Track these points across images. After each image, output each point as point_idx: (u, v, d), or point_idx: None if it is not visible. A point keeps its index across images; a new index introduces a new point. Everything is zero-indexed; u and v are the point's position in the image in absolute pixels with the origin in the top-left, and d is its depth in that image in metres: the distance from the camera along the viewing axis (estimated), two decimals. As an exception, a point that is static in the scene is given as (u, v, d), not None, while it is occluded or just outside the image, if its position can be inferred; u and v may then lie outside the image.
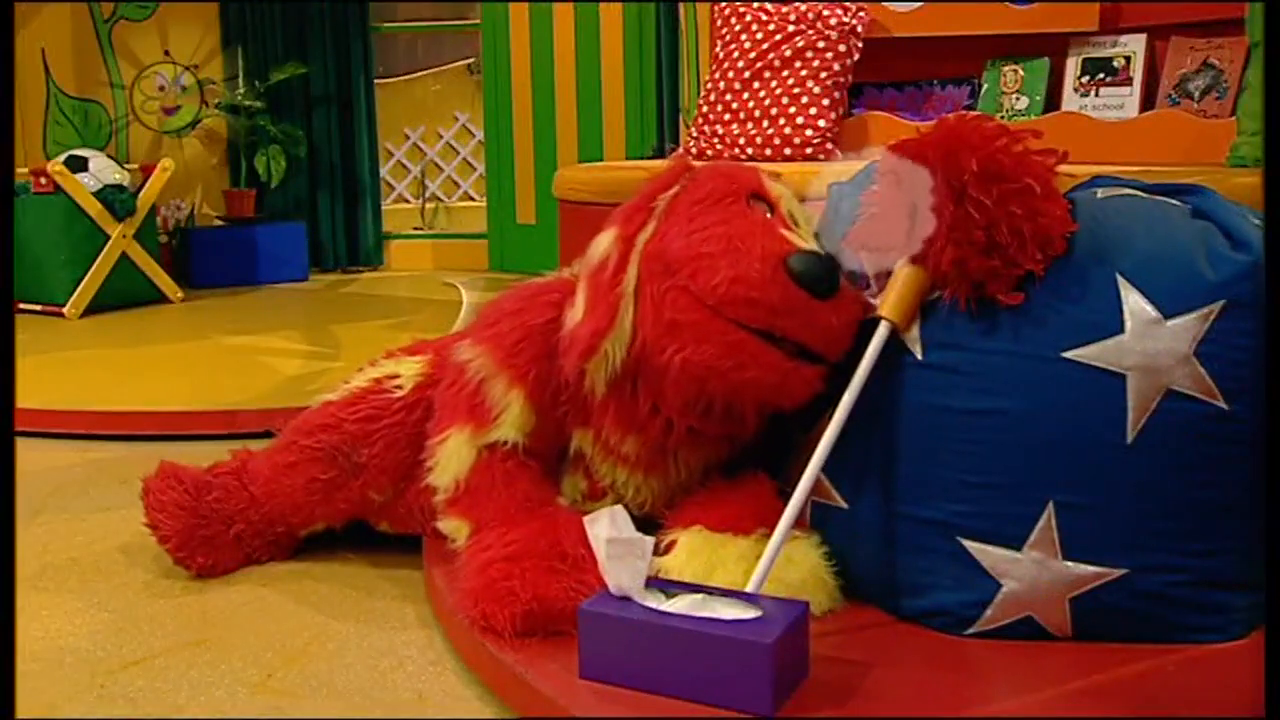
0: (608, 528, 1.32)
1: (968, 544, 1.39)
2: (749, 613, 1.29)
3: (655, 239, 1.51)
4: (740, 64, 2.87)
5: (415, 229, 6.11)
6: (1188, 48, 2.45)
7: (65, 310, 4.38)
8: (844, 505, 1.50)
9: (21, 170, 4.73)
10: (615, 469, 1.62)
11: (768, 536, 1.42)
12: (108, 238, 4.49)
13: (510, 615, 1.40)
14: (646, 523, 1.60)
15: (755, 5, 2.89)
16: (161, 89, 5.55)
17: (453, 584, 1.55)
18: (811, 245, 1.48)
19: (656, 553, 1.51)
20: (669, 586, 1.37)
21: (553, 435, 1.63)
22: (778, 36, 2.82)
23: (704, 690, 1.25)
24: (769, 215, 1.51)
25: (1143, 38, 2.52)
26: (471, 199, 6.24)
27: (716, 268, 1.43)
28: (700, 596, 1.33)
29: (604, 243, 1.55)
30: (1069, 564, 1.35)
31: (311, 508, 1.81)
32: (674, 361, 1.45)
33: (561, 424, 1.63)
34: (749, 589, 1.36)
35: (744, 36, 2.88)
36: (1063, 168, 1.41)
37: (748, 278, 1.41)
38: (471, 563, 1.50)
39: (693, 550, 1.48)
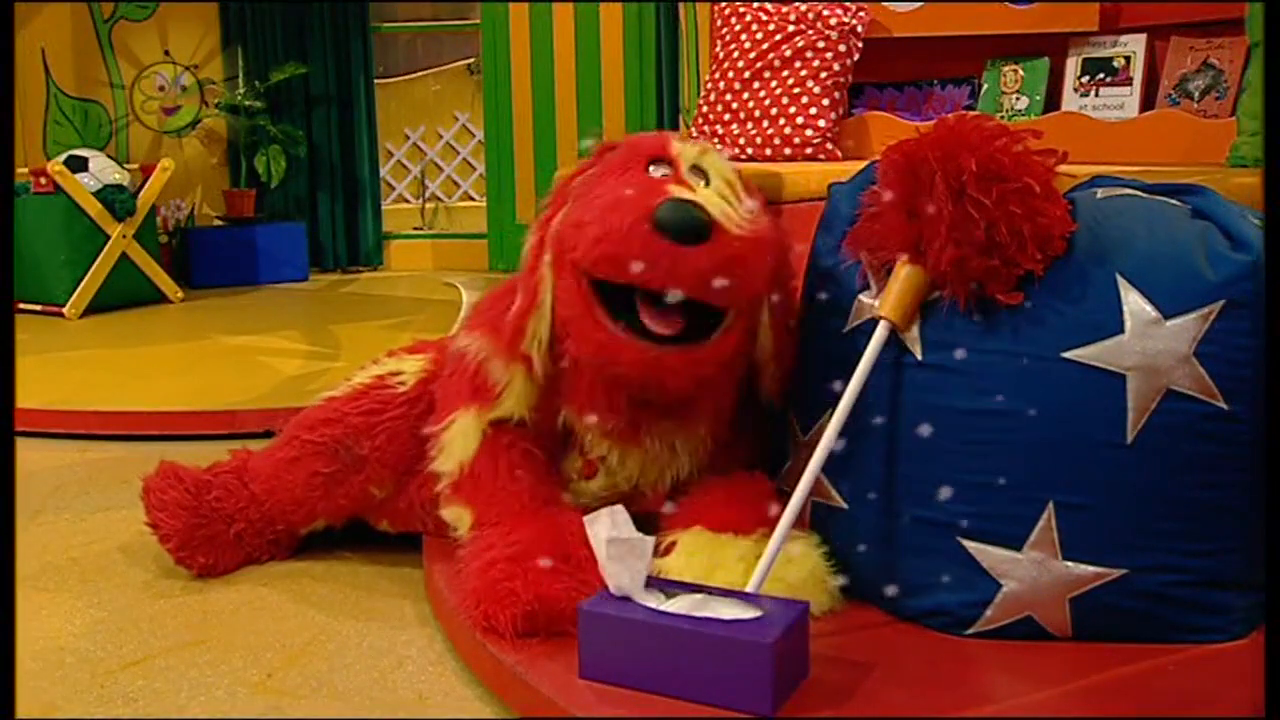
0: (608, 527, 1.32)
1: (968, 544, 1.39)
2: (749, 613, 1.29)
3: (564, 218, 1.54)
4: (740, 64, 2.87)
5: (415, 229, 6.11)
6: (1188, 48, 2.45)
7: (65, 310, 4.38)
8: (844, 505, 1.50)
9: (21, 170, 4.73)
10: (596, 443, 1.63)
11: (768, 537, 1.42)
12: (108, 238, 4.49)
13: (511, 616, 1.40)
14: (647, 522, 1.60)
15: (755, 5, 2.88)
16: (161, 89, 5.55)
17: (455, 584, 1.55)
18: (701, 196, 1.46)
19: (656, 554, 1.51)
20: (669, 586, 1.37)
21: (553, 411, 1.63)
22: (778, 36, 2.81)
23: (704, 690, 1.25)
24: (665, 173, 1.52)
25: (1143, 38, 2.52)
26: (471, 199, 6.24)
27: (588, 232, 1.45)
28: (700, 596, 1.33)
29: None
30: (1069, 564, 1.35)
31: (313, 503, 1.81)
32: (569, 350, 1.53)
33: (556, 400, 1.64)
34: (749, 589, 1.36)
35: (744, 36, 2.88)
36: (1063, 168, 1.41)
37: (610, 234, 1.42)
38: (474, 563, 1.50)
39: (693, 551, 1.48)
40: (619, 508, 1.34)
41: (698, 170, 1.54)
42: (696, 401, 1.56)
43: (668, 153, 1.55)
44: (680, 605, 1.31)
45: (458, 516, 1.62)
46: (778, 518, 1.41)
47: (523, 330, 1.56)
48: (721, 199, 1.48)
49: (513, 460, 1.61)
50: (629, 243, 1.40)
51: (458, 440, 1.63)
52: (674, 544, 1.51)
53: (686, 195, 1.44)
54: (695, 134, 2.96)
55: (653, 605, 1.31)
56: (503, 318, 1.61)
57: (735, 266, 1.42)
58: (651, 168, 1.54)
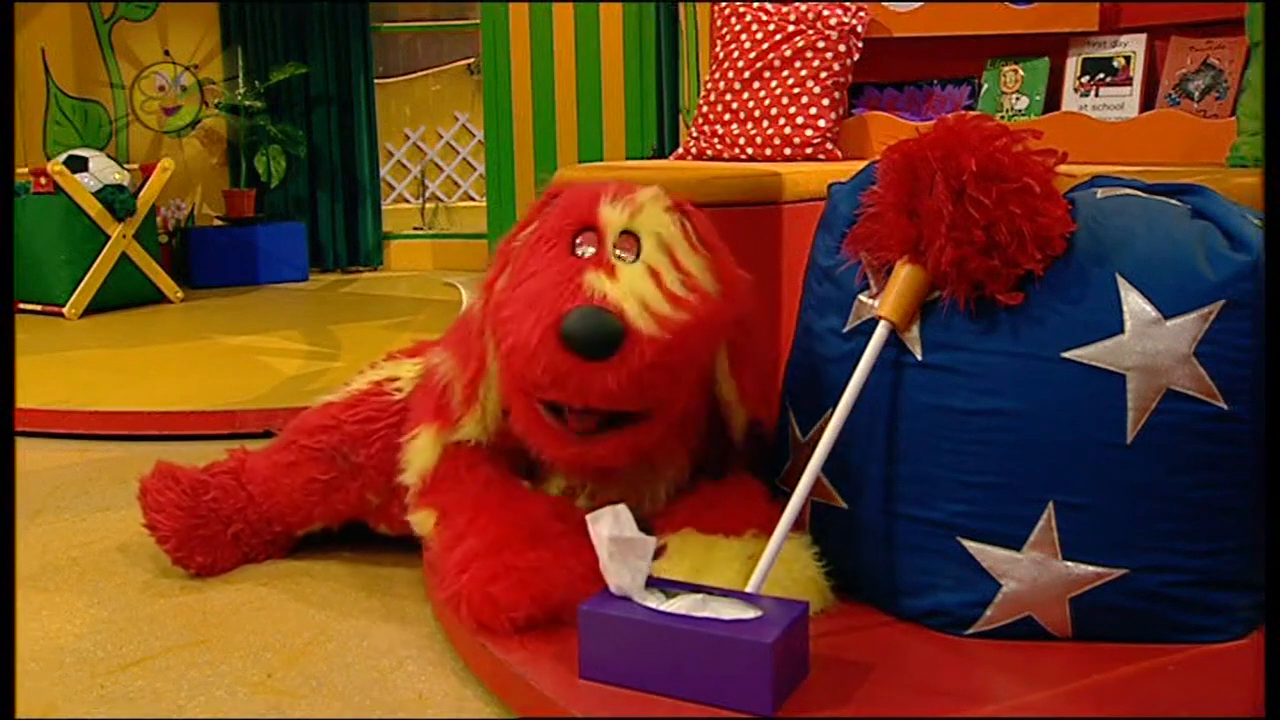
0: (610, 526, 1.32)
1: (968, 544, 1.39)
2: (749, 613, 1.29)
3: (500, 291, 1.52)
4: (740, 64, 2.87)
5: (415, 229, 6.11)
6: (1188, 48, 2.45)
7: (65, 310, 4.38)
8: (844, 505, 1.50)
9: (21, 170, 4.73)
10: (564, 475, 1.63)
11: (759, 538, 1.42)
12: (108, 238, 4.49)
13: (507, 621, 1.40)
14: (641, 524, 1.60)
15: (755, 5, 2.89)
16: (161, 89, 5.55)
17: (435, 582, 1.56)
18: (621, 283, 1.41)
19: None
20: (669, 586, 1.37)
21: (516, 437, 1.63)
22: (778, 36, 2.81)
23: (704, 690, 1.25)
24: (590, 252, 1.47)
25: (1143, 38, 2.52)
26: (471, 199, 6.24)
27: (507, 333, 1.44)
28: (699, 597, 1.33)
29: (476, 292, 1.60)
30: (1069, 564, 1.35)
31: (310, 508, 1.81)
32: (514, 425, 1.54)
33: None
34: (749, 589, 1.36)
35: (744, 36, 2.88)
36: (1063, 168, 1.41)
37: (520, 348, 1.41)
38: (448, 558, 1.49)
39: (682, 553, 1.48)
40: (622, 507, 1.34)
41: (630, 235, 1.48)
42: (660, 448, 1.56)
43: (596, 220, 1.48)
44: (680, 605, 1.31)
45: (422, 520, 1.63)
46: (769, 518, 1.41)
47: (474, 396, 1.57)
48: (650, 275, 1.43)
49: (472, 461, 1.62)
50: (534, 360, 1.39)
51: (419, 455, 1.64)
52: (664, 546, 1.51)
53: (601, 293, 1.39)
54: (695, 134, 2.96)
55: (653, 605, 1.31)
56: (464, 343, 1.62)
57: (648, 378, 1.39)
58: (578, 240, 1.48)
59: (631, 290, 1.41)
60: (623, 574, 1.32)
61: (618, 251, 1.47)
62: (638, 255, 1.47)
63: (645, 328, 1.38)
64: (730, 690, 1.23)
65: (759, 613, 1.29)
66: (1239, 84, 2.33)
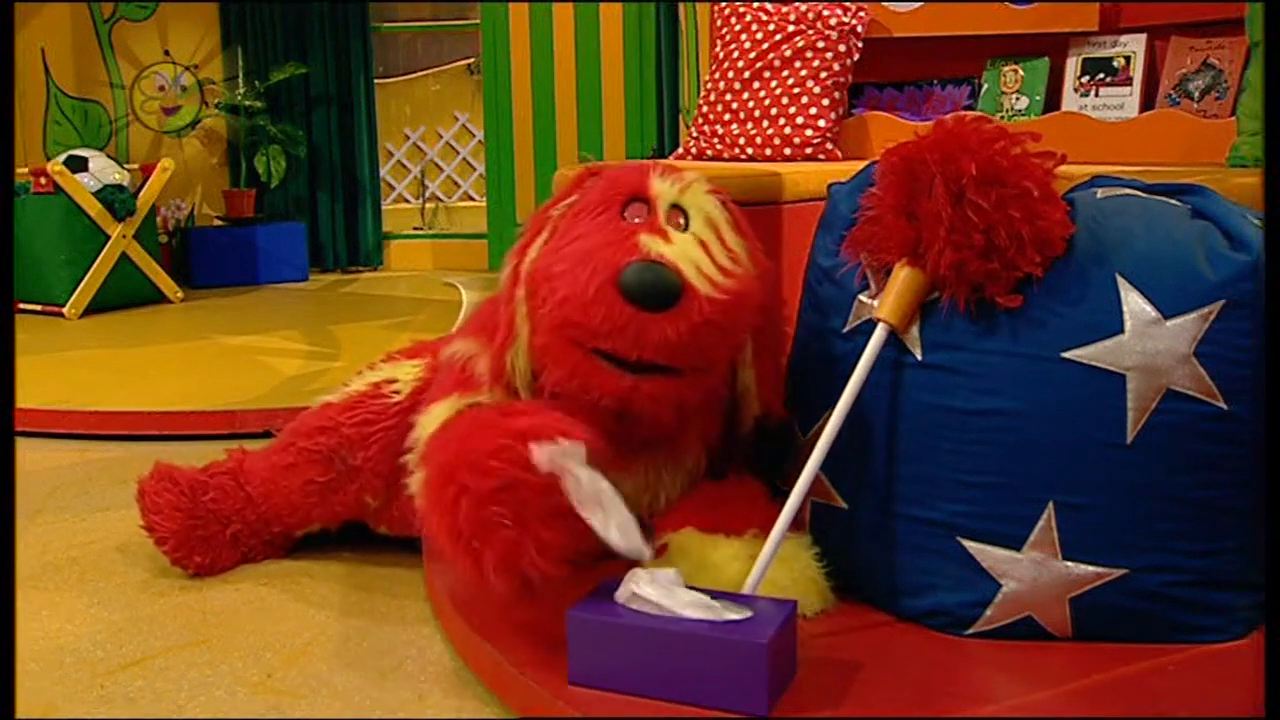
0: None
1: (968, 544, 1.39)
2: (740, 613, 1.28)
3: (540, 255, 1.51)
4: (740, 64, 2.87)
5: (415, 229, 6.11)
6: (1188, 48, 2.45)
7: (65, 310, 4.38)
8: (844, 506, 1.50)
9: (21, 170, 4.73)
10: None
11: (759, 538, 1.42)
12: (108, 238, 4.49)
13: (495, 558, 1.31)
14: (640, 526, 1.60)
15: (755, 5, 2.89)
16: (161, 89, 5.55)
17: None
18: (675, 247, 1.42)
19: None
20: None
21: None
22: (778, 36, 2.81)
23: (697, 692, 1.24)
24: (641, 219, 1.47)
25: (1143, 38, 2.52)
26: (471, 199, 6.24)
27: (556, 288, 1.43)
28: (690, 597, 1.32)
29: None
30: (1069, 564, 1.35)
31: (308, 509, 1.81)
32: (547, 381, 1.49)
33: None
34: (745, 589, 1.36)
35: (744, 36, 2.88)
36: (1062, 168, 1.41)
37: (576, 297, 1.40)
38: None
39: (683, 552, 1.48)
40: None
41: (678, 210, 1.49)
42: (682, 431, 1.55)
43: (646, 192, 1.50)
44: (670, 603, 1.30)
45: (417, 482, 1.52)
46: (770, 518, 1.41)
47: (502, 365, 1.54)
48: (699, 246, 1.45)
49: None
50: (594, 310, 1.38)
51: (432, 420, 1.58)
52: (664, 546, 1.50)
53: (658, 251, 1.40)
54: (695, 134, 2.96)
55: (649, 594, 1.30)
56: (491, 321, 1.59)
57: (704, 333, 1.39)
58: (628, 209, 1.49)
59: (685, 253, 1.42)
60: (609, 527, 1.29)
61: (668, 223, 1.48)
62: (686, 228, 1.48)
63: (701, 286, 1.40)
64: (724, 691, 1.23)
65: (750, 613, 1.28)
66: (1239, 84, 2.33)
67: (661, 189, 1.50)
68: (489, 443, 1.33)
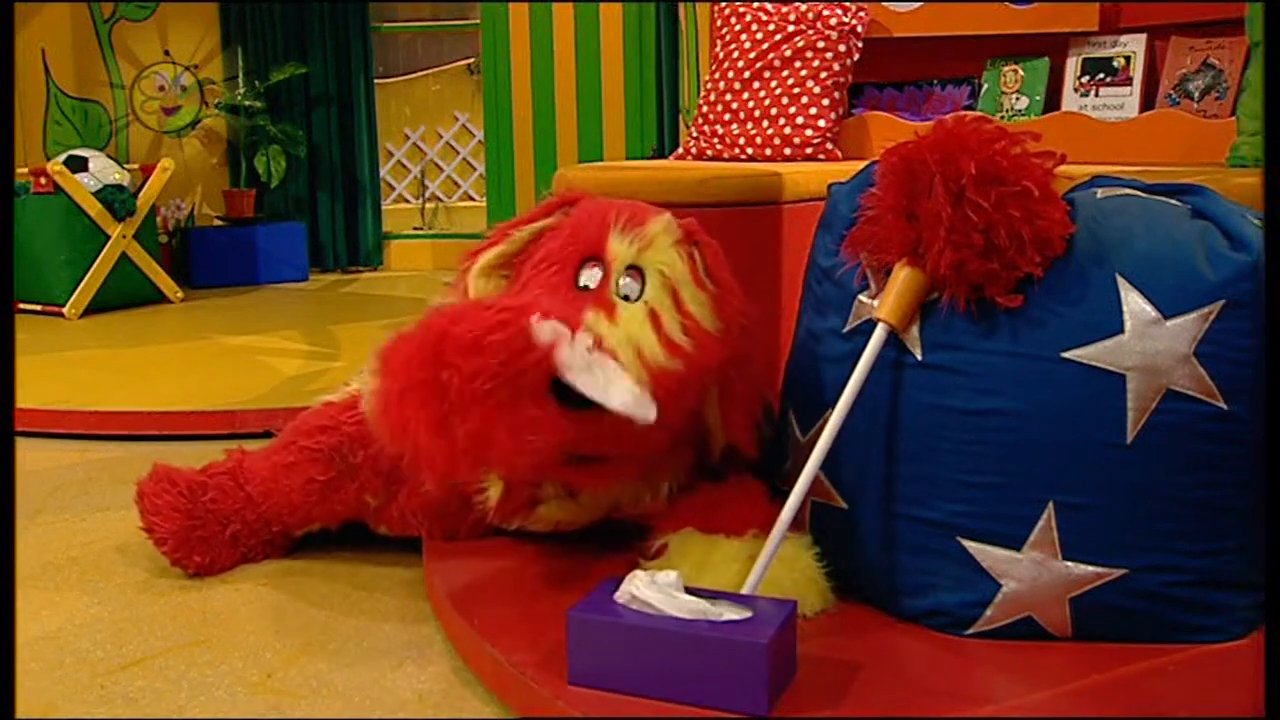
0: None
1: (968, 544, 1.39)
2: (739, 614, 1.28)
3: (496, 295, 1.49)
4: (740, 64, 2.87)
5: (415, 229, 6.11)
6: (1188, 48, 2.45)
7: (65, 310, 4.38)
8: (844, 506, 1.50)
9: (21, 170, 4.73)
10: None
11: (759, 538, 1.42)
12: (108, 238, 4.48)
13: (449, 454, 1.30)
14: (640, 526, 1.61)
15: (755, 5, 2.88)
16: (161, 89, 5.55)
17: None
18: (616, 333, 1.39)
19: (648, 556, 1.51)
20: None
21: None
22: (778, 36, 2.81)
23: (697, 692, 1.24)
24: (592, 287, 1.46)
25: (1143, 38, 2.52)
26: (471, 199, 6.24)
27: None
28: (689, 599, 1.32)
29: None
30: (1069, 564, 1.35)
31: (308, 508, 1.81)
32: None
33: None
34: (745, 590, 1.36)
35: (744, 36, 2.88)
36: (1063, 168, 1.41)
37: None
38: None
39: (683, 553, 1.48)
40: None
41: (634, 272, 1.48)
42: (652, 455, 1.55)
43: (603, 253, 1.48)
44: (670, 607, 1.30)
45: (371, 396, 1.38)
46: (770, 518, 1.41)
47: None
48: (649, 319, 1.43)
49: None
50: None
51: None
52: (664, 546, 1.50)
53: (599, 334, 1.37)
54: (695, 134, 2.96)
55: (649, 597, 1.30)
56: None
57: (625, 428, 1.35)
58: (584, 272, 1.47)
59: (629, 336, 1.41)
60: (609, 391, 1.30)
61: (623, 280, 1.47)
62: (642, 288, 1.47)
63: (637, 375, 1.37)
64: (724, 691, 1.23)
65: (750, 613, 1.28)
66: (1239, 84, 2.33)
67: (618, 250, 1.48)
68: (484, 321, 1.30)
